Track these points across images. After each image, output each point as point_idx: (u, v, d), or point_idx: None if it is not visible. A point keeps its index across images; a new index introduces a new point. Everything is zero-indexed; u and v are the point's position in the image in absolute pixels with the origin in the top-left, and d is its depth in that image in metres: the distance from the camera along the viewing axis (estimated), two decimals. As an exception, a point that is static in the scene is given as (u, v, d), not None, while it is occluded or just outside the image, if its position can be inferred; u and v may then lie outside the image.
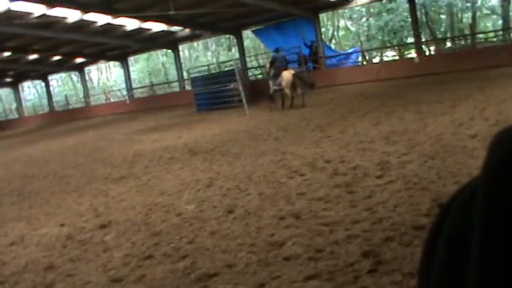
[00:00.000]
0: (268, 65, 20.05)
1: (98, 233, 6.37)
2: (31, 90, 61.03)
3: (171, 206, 7.11)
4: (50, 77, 45.03)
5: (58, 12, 22.92)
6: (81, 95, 44.46)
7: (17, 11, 21.74)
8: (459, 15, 41.25)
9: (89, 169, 12.05)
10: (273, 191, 6.98)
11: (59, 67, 40.84)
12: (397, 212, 5.26)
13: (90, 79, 55.38)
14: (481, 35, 31.27)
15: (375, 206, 5.58)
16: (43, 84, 45.80)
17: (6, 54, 31.91)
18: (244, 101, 18.81)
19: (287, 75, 17.96)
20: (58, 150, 17.84)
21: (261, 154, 9.97)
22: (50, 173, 12.50)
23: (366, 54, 32.47)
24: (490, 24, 41.33)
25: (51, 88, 46.60)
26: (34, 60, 35.85)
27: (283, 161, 8.94)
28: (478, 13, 40.55)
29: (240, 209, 6.34)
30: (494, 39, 29.53)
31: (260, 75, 30.43)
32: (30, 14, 22.33)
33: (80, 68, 41.20)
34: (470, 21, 38.83)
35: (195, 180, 8.56)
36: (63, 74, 53.54)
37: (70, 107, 42.69)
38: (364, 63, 29.18)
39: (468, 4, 38.51)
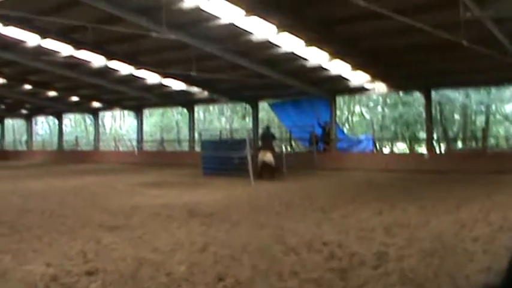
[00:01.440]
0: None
1: (83, 279, 6.26)
2: (44, 126, 61.52)
3: (161, 263, 7.00)
4: (64, 116, 45.49)
5: (84, 55, 23.39)
6: (92, 138, 44.75)
7: (46, 48, 22.21)
8: (473, 117, 41.69)
9: (86, 213, 11.96)
10: (266, 265, 6.87)
11: (74, 108, 41.37)
12: (389, 307, 5.15)
13: (103, 124, 55.83)
14: (492, 140, 31.53)
15: (367, 297, 5.47)
16: (56, 121, 46.21)
17: (27, 87, 32.42)
18: (250, 171, 18.83)
19: (260, 157, 20.35)
20: (59, 189, 17.79)
21: (260, 226, 9.87)
22: (47, 210, 12.41)
23: (377, 142, 32.69)
24: (503, 130, 41.71)
25: (63, 127, 46.96)
26: (52, 97, 36.40)
27: (281, 237, 8.84)
28: (492, 118, 41.01)
29: (230, 278, 6.23)
30: (505, 146, 29.71)
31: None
32: (58, 52, 22.81)
33: (94, 112, 41.71)
34: (483, 124, 39.26)
35: (190, 242, 8.46)
36: (77, 115, 54.04)
37: (79, 148, 42.90)
38: (374, 151, 29.29)
39: (483, 108, 38.99)
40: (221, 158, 21.38)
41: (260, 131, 25.83)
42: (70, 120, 59.09)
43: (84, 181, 20.56)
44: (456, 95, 37.67)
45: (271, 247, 8.03)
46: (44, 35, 20.91)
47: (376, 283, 5.98)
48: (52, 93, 35.00)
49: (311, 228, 9.60)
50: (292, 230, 9.39)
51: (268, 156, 20.16)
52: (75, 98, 37.46)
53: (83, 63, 25.09)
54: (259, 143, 21.98)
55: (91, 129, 50.37)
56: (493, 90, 36.10)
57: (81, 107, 41.07)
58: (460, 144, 35.99)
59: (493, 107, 39.96)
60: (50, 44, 21.82)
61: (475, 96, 37.67)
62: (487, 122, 39.81)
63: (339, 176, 20.50)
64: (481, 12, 14.30)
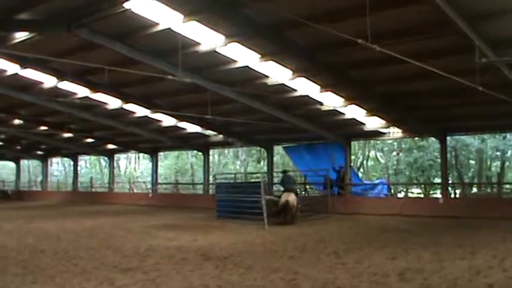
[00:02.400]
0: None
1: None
2: (59, 167, 61.96)
3: (174, 306, 6.99)
4: (79, 157, 45.84)
5: (100, 97, 23.65)
6: (106, 180, 44.96)
7: (62, 89, 22.49)
8: (488, 163, 41.45)
9: (99, 254, 11.99)
10: (279, 309, 6.83)
11: (89, 149, 41.67)
12: None
13: (118, 166, 56.10)
14: (507, 185, 31.26)
15: None
16: (72, 162, 46.57)
17: (43, 128, 32.79)
18: (264, 215, 18.71)
19: (283, 198, 19.78)
20: (73, 230, 17.84)
21: (273, 270, 9.83)
22: (61, 251, 12.46)
23: (391, 187, 32.52)
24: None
25: (78, 168, 47.28)
26: (67, 139, 36.72)
27: (294, 281, 8.80)
28: (507, 163, 40.75)
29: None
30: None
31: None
32: (74, 94, 23.07)
33: (110, 154, 41.96)
34: (498, 170, 38.97)
35: (203, 286, 8.44)
36: (92, 157, 54.42)
37: (93, 189, 43.06)
38: (389, 196, 29.12)
39: (498, 153, 38.79)
40: (235, 202, 21.30)
41: (279, 175, 25.65)
42: (85, 162, 59.52)
43: (98, 222, 20.60)
44: (472, 140, 37.61)
45: (284, 291, 7.98)
46: (60, 77, 21.19)
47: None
48: (68, 135, 35.36)
49: (324, 273, 9.54)
50: (306, 275, 9.35)
51: (292, 198, 19.83)
52: (90, 140, 37.82)
53: (98, 105, 25.37)
54: (283, 186, 21.51)
55: (106, 171, 50.64)
56: (509, 135, 35.97)
57: (97, 149, 41.41)
58: (475, 190, 35.70)
59: (509, 152, 39.74)
60: (67, 85, 22.10)
61: (490, 142, 37.55)
62: (502, 167, 39.59)
63: (353, 221, 20.38)
64: (496, 57, 14.39)
